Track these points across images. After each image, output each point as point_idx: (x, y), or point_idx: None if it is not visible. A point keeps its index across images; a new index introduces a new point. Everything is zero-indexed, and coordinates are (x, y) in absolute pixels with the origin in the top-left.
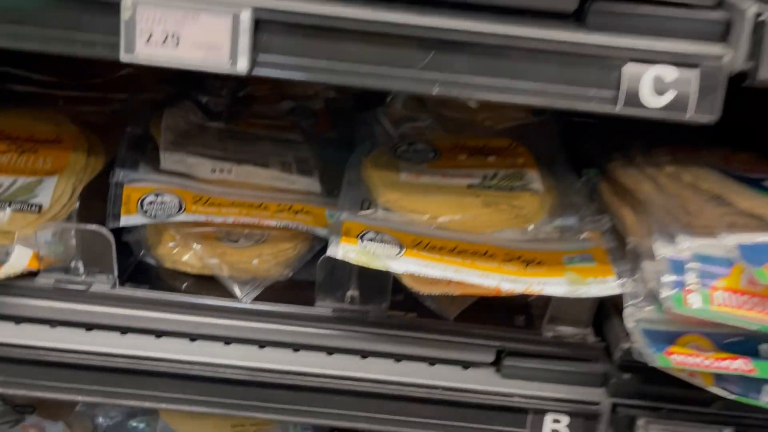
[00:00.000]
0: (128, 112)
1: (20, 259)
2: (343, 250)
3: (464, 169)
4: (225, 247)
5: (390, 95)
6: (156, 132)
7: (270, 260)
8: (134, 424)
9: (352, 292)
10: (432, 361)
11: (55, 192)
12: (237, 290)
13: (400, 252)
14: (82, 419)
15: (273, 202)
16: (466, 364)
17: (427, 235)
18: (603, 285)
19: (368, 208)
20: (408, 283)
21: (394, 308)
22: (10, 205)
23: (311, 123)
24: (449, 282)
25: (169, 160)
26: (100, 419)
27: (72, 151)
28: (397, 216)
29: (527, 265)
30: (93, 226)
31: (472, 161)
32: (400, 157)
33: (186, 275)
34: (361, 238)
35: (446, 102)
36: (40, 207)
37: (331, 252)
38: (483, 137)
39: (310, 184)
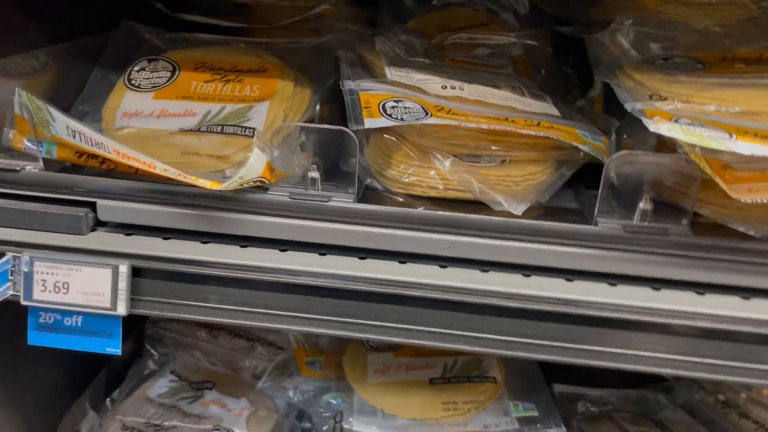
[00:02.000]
0: (324, 48)
1: (257, 164)
2: (664, 125)
3: (754, 74)
4: (469, 166)
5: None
6: (370, 54)
7: (520, 182)
8: (329, 399)
9: (644, 206)
10: (747, 294)
11: (267, 117)
12: (503, 201)
13: (731, 137)
14: (263, 397)
15: (519, 119)
16: None
17: (750, 127)
18: None
19: (662, 100)
20: (728, 188)
21: None
22: (223, 129)
23: (512, 68)
24: None
25: (395, 74)
26: (290, 393)
27: (279, 79)
28: (699, 107)
29: None
30: (337, 127)
31: (757, 68)
32: (662, 69)
33: (420, 199)
34: (675, 122)
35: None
36: (254, 130)
37: (652, 127)
38: (757, 49)
39: (547, 107)
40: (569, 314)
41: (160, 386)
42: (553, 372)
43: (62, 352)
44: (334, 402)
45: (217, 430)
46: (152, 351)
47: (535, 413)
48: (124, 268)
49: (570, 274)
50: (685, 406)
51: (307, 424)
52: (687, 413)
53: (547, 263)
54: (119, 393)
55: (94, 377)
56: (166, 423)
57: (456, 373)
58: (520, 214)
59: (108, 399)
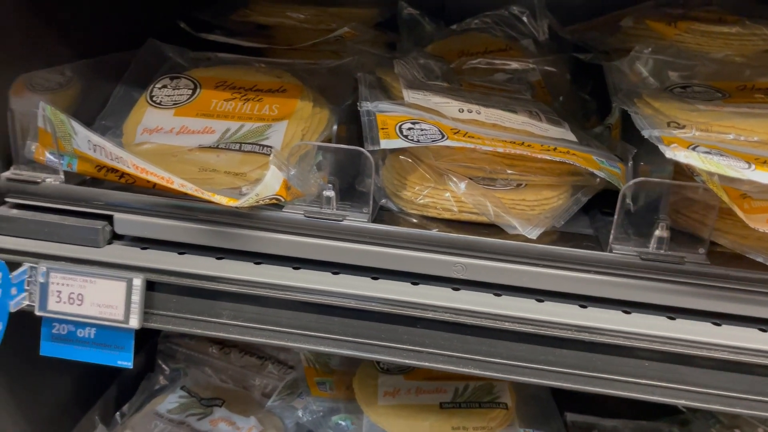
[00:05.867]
0: (343, 70)
1: (273, 182)
2: (682, 153)
3: None
4: (484, 189)
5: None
6: (388, 77)
7: (535, 207)
8: (338, 421)
9: (660, 233)
10: (765, 326)
11: (285, 136)
12: (518, 224)
13: (749, 166)
14: (272, 416)
15: (535, 143)
16: None
17: None
18: None
19: (680, 128)
20: (746, 217)
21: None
22: (241, 147)
23: (530, 94)
24: None
25: (413, 96)
26: (300, 413)
27: (298, 99)
28: (717, 136)
29: None
30: (354, 147)
31: None
32: (681, 98)
33: (434, 221)
34: (693, 150)
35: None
36: (271, 149)
37: (669, 154)
38: None
39: (564, 133)
40: (582, 341)
41: (170, 402)
42: (566, 400)
43: (73, 365)
44: (343, 423)
45: None
46: (164, 366)
47: None
48: (138, 282)
49: (584, 301)
50: None
51: None
52: None
53: (561, 289)
54: (129, 407)
55: (104, 391)
56: None
57: (467, 398)
58: (535, 238)
59: (117, 413)
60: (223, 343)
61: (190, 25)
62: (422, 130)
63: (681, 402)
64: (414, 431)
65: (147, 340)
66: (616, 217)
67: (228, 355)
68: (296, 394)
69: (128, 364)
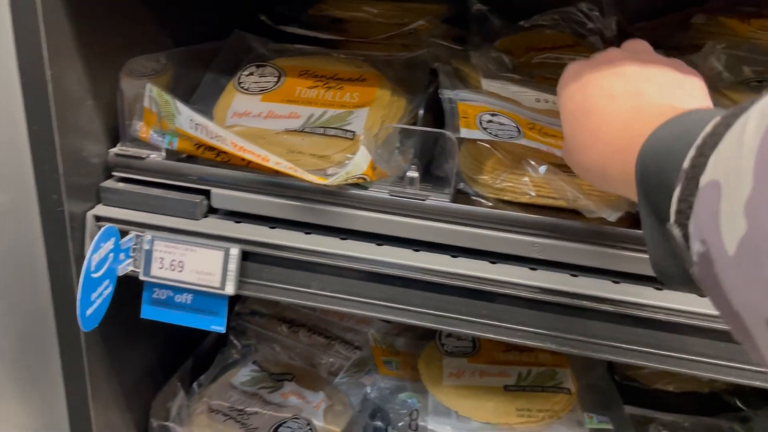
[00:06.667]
0: (418, 62)
1: (362, 161)
2: None
3: None
4: (564, 174)
5: None
6: (465, 67)
7: (603, 196)
8: (405, 398)
9: None
10: None
11: (367, 122)
12: (597, 208)
13: None
14: (338, 392)
15: None
16: None
17: None
18: None
19: None
20: None
21: None
22: (325, 131)
23: None
24: None
25: (491, 85)
26: (368, 389)
27: (378, 88)
28: None
29: None
30: (438, 130)
31: None
32: (758, 91)
33: (510, 204)
34: None
35: None
36: (354, 134)
37: None
38: None
39: None
40: (659, 320)
41: (243, 375)
42: (624, 393)
43: (158, 335)
44: (409, 401)
45: (296, 419)
46: (236, 342)
47: (609, 426)
48: (234, 251)
49: (659, 283)
50: None
51: (379, 423)
52: None
53: (637, 270)
54: (205, 378)
55: (182, 363)
56: (248, 409)
57: (530, 383)
58: (614, 220)
59: (195, 383)
60: (291, 322)
61: (270, 18)
62: (501, 124)
63: (756, 383)
64: (479, 411)
65: None
66: None
67: (296, 333)
68: (364, 372)
69: (221, 328)
